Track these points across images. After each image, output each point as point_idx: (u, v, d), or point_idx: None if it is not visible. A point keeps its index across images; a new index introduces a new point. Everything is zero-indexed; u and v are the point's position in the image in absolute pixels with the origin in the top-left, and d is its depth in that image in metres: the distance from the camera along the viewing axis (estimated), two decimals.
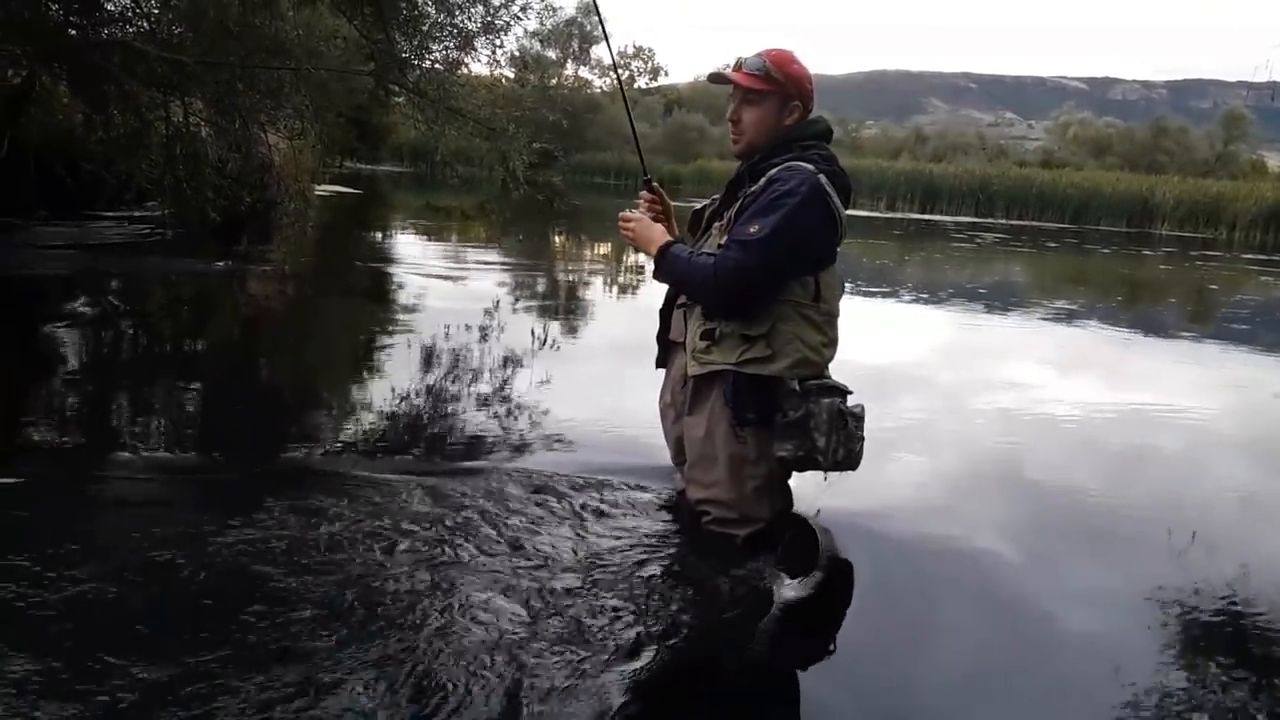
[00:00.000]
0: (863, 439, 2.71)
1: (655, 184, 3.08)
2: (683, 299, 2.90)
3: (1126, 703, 2.17)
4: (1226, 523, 3.56)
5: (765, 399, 2.64)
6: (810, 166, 2.61)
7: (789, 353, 2.61)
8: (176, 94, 8.02)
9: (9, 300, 6.00)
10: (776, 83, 2.70)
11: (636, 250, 2.98)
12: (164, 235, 9.18)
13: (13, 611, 2.07)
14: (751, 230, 2.55)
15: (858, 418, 2.69)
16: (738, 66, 2.75)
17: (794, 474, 2.81)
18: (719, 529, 2.77)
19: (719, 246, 2.66)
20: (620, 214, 2.95)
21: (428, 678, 1.95)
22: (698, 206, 3.03)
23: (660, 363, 3.12)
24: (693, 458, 2.84)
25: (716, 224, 2.82)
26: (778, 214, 2.54)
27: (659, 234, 2.85)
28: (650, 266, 2.91)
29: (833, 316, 2.72)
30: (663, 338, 3.07)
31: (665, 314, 3.04)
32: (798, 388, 2.61)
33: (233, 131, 8.28)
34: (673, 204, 3.11)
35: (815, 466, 2.68)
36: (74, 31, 7.73)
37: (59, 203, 9.28)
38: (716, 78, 2.82)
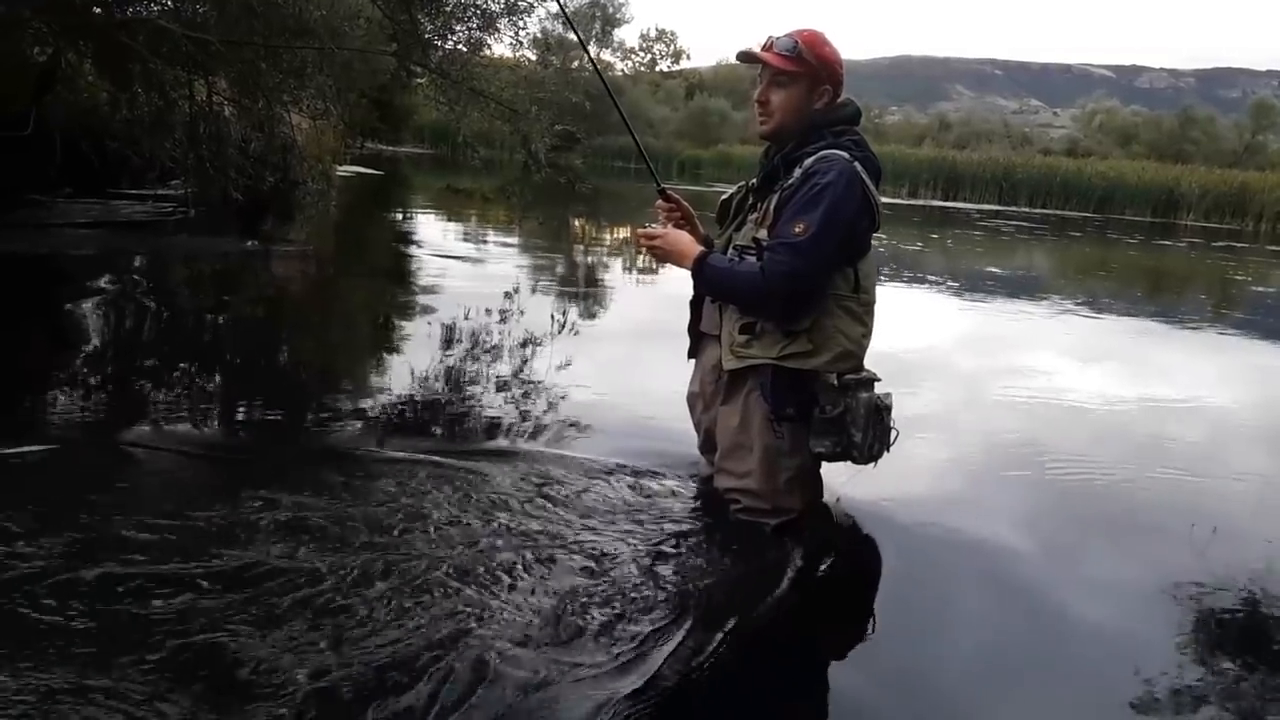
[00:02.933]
0: (896, 430, 2.70)
1: (670, 191, 2.95)
2: None
3: (1146, 694, 2.16)
4: (1248, 514, 3.54)
5: (804, 394, 2.60)
6: (845, 155, 2.56)
7: (830, 347, 2.57)
8: (201, 73, 8.03)
9: (36, 278, 6.03)
10: (808, 65, 2.62)
11: (667, 264, 2.82)
12: (187, 214, 9.22)
13: (34, 581, 2.08)
14: (797, 230, 2.49)
15: (889, 409, 2.67)
16: (768, 46, 2.66)
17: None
18: (749, 518, 2.75)
19: (754, 239, 2.61)
20: (639, 231, 2.84)
21: (444, 661, 1.94)
22: (724, 196, 2.94)
23: (691, 354, 3.07)
24: (725, 447, 2.80)
25: (752, 215, 2.74)
26: (821, 209, 2.48)
27: (690, 244, 2.73)
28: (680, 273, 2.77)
29: (871, 306, 2.67)
30: (693, 329, 3.00)
31: (696, 305, 2.97)
32: (836, 382, 2.57)
33: (256, 111, 8.30)
34: (695, 188, 3.01)
35: (850, 460, 2.66)
36: (99, 10, 7.76)
37: (84, 180, 9.32)
38: (746, 56, 2.71)
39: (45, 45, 8.16)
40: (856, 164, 2.57)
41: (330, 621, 2.05)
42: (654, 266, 9.06)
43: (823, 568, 2.62)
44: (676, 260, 2.74)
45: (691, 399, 3.09)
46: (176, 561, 2.25)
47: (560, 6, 4.22)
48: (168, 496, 2.65)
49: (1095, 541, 3.12)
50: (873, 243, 2.71)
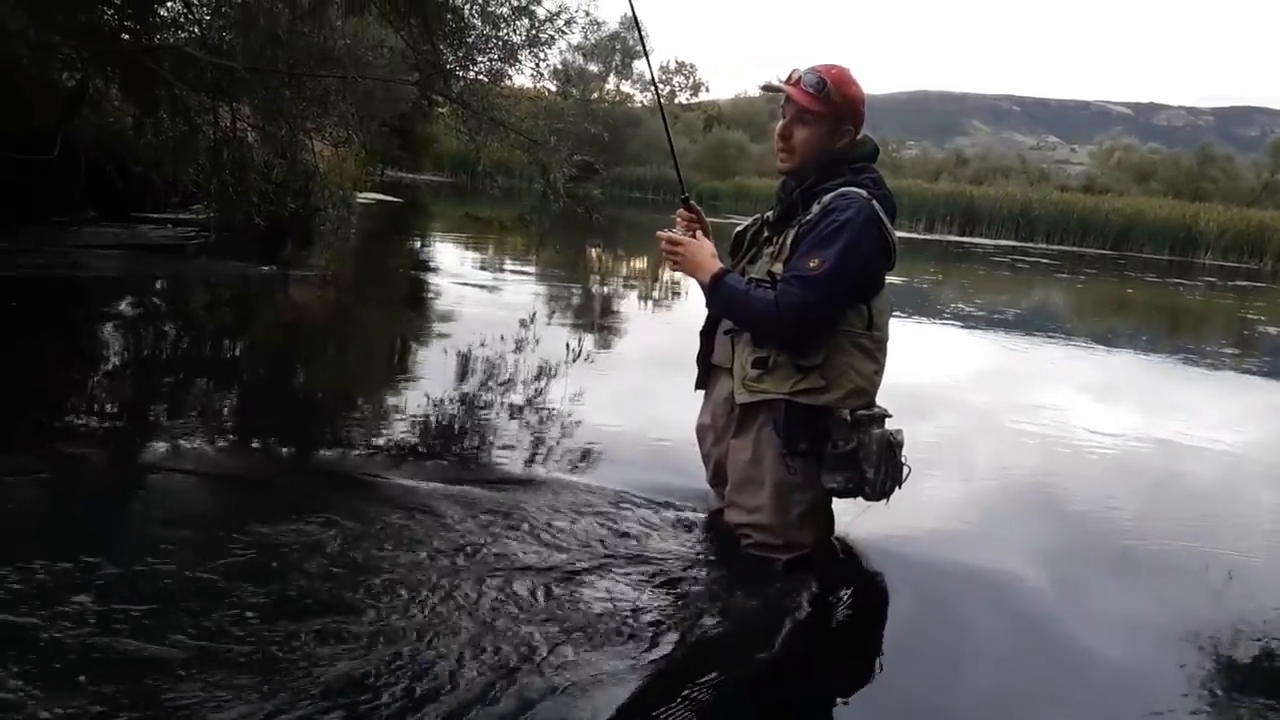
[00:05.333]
0: (908, 466, 2.69)
1: (693, 202, 2.96)
2: (729, 324, 2.81)
3: None
4: (1264, 554, 3.52)
5: (816, 429, 2.59)
6: (863, 193, 2.57)
7: (843, 383, 2.57)
8: (225, 99, 8.14)
9: (58, 299, 6.10)
10: (833, 104, 2.61)
11: (681, 274, 2.83)
12: (208, 238, 9.31)
13: (43, 606, 2.09)
14: (812, 265, 2.49)
15: (901, 445, 2.66)
16: (794, 80, 2.64)
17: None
18: (760, 553, 2.73)
19: (769, 273, 2.62)
20: (661, 234, 2.82)
21: (459, 682, 1.95)
22: (739, 228, 2.95)
23: (700, 384, 3.07)
24: (736, 481, 2.80)
25: (768, 249, 2.75)
26: (837, 246, 2.48)
27: (710, 259, 2.71)
28: (690, 284, 2.82)
29: (884, 343, 2.67)
30: (704, 359, 3.00)
31: (707, 335, 2.97)
32: (849, 418, 2.57)
33: (279, 138, 8.38)
34: (711, 220, 3.01)
35: (862, 496, 2.65)
36: (127, 36, 7.88)
37: (107, 203, 9.43)
38: (771, 88, 2.70)
39: (74, 70, 8.29)
40: (874, 202, 2.57)
41: (345, 638, 2.06)
42: (668, 300, 9.08)
43: (834, 604, 2.61)
44: (693, 271, 2.73)
45: (701, 431, 3.08)
46: (192, 586, 2.26)
47: (631, 6, 4.17)
48: (185, 520, 2.67)
49: (1109, 579, 3.09)
50: (886, 280, 2.72)
